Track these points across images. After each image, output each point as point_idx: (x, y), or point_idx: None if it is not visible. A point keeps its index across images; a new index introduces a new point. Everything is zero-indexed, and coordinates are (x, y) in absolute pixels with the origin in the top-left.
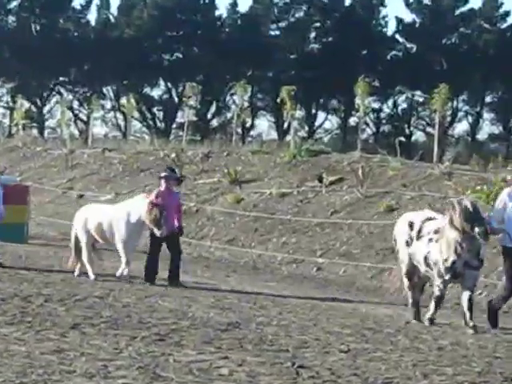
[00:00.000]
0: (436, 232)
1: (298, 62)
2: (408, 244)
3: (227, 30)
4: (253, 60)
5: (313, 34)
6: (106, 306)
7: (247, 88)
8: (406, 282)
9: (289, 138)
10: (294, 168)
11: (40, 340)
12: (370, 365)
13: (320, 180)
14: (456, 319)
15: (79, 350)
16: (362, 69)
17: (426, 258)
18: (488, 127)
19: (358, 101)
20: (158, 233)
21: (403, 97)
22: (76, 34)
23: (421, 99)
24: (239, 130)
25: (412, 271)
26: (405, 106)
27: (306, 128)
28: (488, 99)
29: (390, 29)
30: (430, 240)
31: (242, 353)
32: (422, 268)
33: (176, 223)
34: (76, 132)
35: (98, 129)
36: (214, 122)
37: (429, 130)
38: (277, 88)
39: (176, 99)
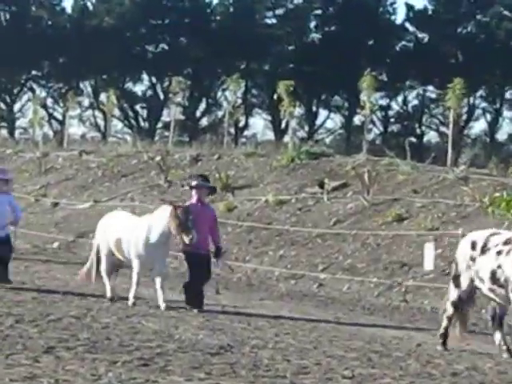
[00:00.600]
0: (506, 243)
1: (297, 55)
2: (469, 267)
3: (218, 18)
4: (246, 52)
5: (313, 23)
6: (84, 328)
7: (240, 83)
8: (450, 310)
9: (287, 138)
10: (292, 172)
11: (10, 365)
12: None
13: (321, 186)
14: (471, 341)
15: (53, 376)
16: (368, 61)
17: (493, 274)
18: (508, 126)
19: (363, 97)
20: (187, 240)
21: (414, 93)
22: (50, 22)
23: (433, 95)
24: (231, 130)
25: (466, 299)
26: (416, 102)
27: (306, 128)
28: (508, 95)
29: (400, 17)
30: (499, 253)
31: (234, 379)
32: (486, 286)
33: (211, 242)
34: (50, 133)
35: (74, 129)
36: (204, 122)
37: (442, 129)
38: (273, 83)
39: (161, 96)
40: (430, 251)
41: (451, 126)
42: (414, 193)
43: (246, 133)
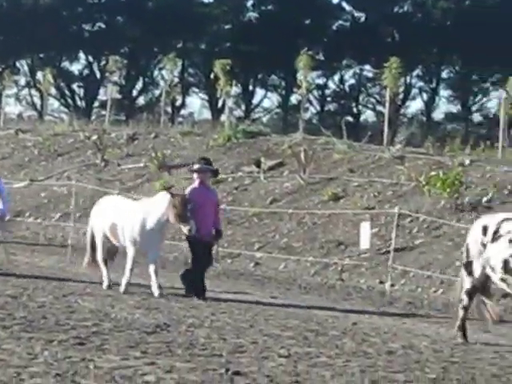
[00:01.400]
0: None
1: (234, 34)
2: (481, 253)
3: None
4: (183, 31)
5: (250, 2)
6: (20, 306)
7: (177, 62)
8: (466, 300)
9: (223, 117)
10: (228, 151)
11: None
12: (312, 371)
13: (258, 165)
14: (407, 320)
15: None
16: (305, 41)
17: (506, 263)
18: (445, 106)
19: (300, 76)
20: (185, 230)
21: (351, 72)
22: None
23: (370, 74)
24: (168, 109)
25: (480, 287)
26: (352, 81)
27: (243, 107)
28: (444, 75)
29: None
30: None
31: (170, 358)
32: (497, 276)
33: (213, 227)
34: None
35: (10, 108)
36: (141, 101)
37: (379, 108)
38: (210, 62)
39: (98, 75)
40: (365, 230)
41: (387, 105)
42: (350, 172)
43: (182, 112)
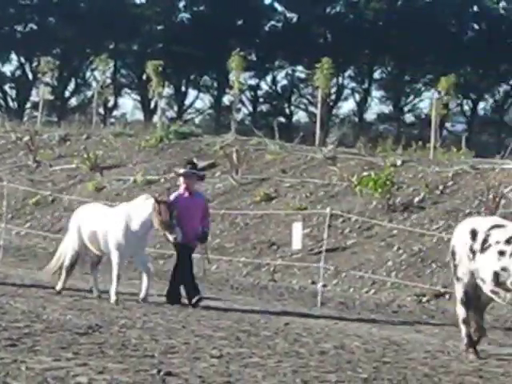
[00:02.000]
0: (509, 242)
1: (166, 34)
2: (469, 258)
3: None
4: (115, 32)
5: (182, 3)
6: None
7: (109, 63)
8: (461, 312)
9: (156, 118)
10: (161, 152)
11: None
12: (244, 371)
13: None
14: (339, 320)
15: None
16: (237, 42)
17: (497, 275)
18: (377, 106)
19: (232, 77)
20: (171, 238)
21: (283, 72)
22: None
23: (302, 75)
24: (100, 110)
25: (472, 294)
26: (285, 82)
27: (175, 108)
28: (376, 75)
29: None
30: (502, 253)
31: (102, 359)
32: (487, 287)
33: (200, 229)
34: None
35: None
36: (73, 102)
37: (311, 109)
38: (142, 63)
39: (30, 76)
40: (297, 230)
41: (319, 105)
42: (282, 172)
43: (115, 113)
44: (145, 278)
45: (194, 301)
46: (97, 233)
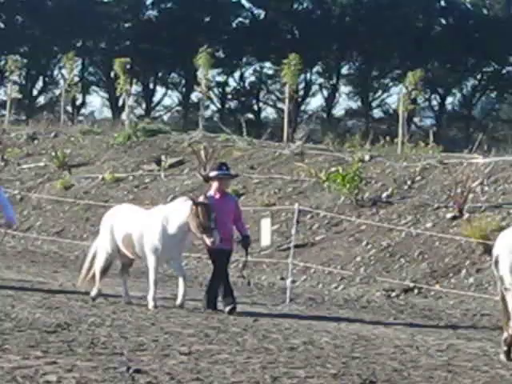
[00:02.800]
0: None
1: (134, 32)
2: None
3: None
4: (83, 30)
5: (149, 0)
6: None
7: (77, 61)
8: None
9: (124, 116)
10: (129, 150)
11: None
12: (214, 368)
13: (158, 163)
14: (308, 315)
15: None
16: (205, 38)
17: None
18: (345, 102)
19: (200, 74)
20: (208, 241)
21: (251, 69)
22: None
23: (270, 71)
24: (68, 108)
25: None
26: (253, 79)
27: (144, 105)
28: (344, 71)
29: None
30: None
31: (71, 357)
32: None
33: (237, 233)
34: None
35: None
36: (41, 100)
37: (280, 105)
38: (110, 61)
39: None
40: (266, 227)
41: (287, 101)
42: (250, 169)
43: (83, 111)
44: (181, 283)
45: (227, 309)
46: (132, 236)
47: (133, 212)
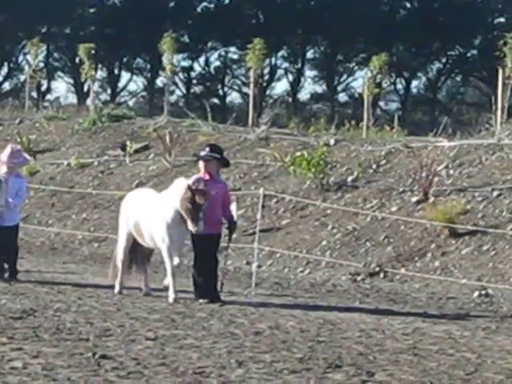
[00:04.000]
0: None
1: (98, 17)
2: None
3: None
4: (47, 15)
5: None
6: None
7: (41, 47)
8: None
9: (89, 102)
10: (94, 135)
11: None
12: (179, 353)
13: (123, 148)
14: (274, 300)
15: None
16: (170, 23)
17: None
18: (310, 86)
19: (164, 59)
20: (192, 228)
21: (216, 54)
22: None
23: (235, 56)
24: (33, 94)
25: None
26: (218, 63)
27: (109, 91)
28: (309, 55)
29: None
30: None
31: (37, 343)
32: None
33: (223, 218)
34: None
35: None
36: (6, 86)
37: (245, 90)
38: (75, 46)
39: None
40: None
41: (252, 86)
42: None
43: (48, 97)
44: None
45: (206, 300)
46: (139, 223)
47: (145, 197)
